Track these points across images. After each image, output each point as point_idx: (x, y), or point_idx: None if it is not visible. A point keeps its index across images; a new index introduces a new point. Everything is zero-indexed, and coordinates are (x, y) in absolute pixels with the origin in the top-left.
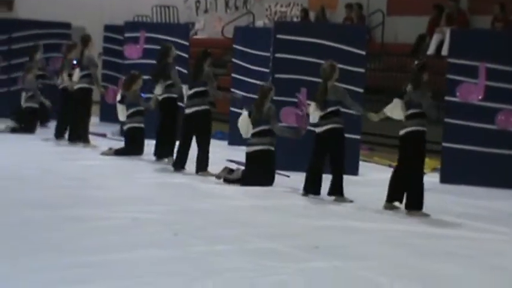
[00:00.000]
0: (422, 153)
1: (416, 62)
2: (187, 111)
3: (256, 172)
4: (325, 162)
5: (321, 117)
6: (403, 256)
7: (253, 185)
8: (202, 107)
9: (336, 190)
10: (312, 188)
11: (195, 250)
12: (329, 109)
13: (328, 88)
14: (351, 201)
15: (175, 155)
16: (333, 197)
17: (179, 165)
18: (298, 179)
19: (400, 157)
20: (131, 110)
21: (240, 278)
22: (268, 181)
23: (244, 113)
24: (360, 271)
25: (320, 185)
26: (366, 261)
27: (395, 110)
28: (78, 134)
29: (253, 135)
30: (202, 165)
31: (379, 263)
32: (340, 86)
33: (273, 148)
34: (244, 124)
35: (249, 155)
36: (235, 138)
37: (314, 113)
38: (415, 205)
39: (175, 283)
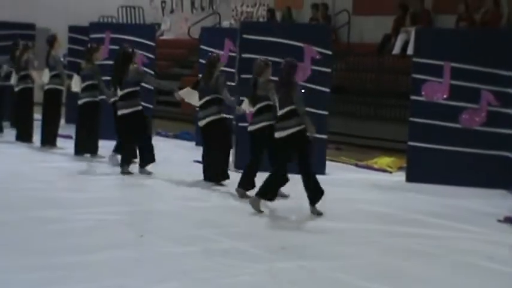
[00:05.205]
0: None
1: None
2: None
3: (215, 142)
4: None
5: (253, 114)
6: (369, 255)
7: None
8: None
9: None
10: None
11: (161, 251)
12: (259, 105)
13: (259, 84)
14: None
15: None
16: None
17: None
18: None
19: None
20: None
21: (206, 278)
22: (228, 146)
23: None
24: (326, 271)
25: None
26: (331, 261)
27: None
28: (48, 137)
29: (201, 107)
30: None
31: (345, 263)
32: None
33: (223, 115)
34: (189, 94)
35: (202, 129)
36: None
37: (247, 108)
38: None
39: (140, 284)
